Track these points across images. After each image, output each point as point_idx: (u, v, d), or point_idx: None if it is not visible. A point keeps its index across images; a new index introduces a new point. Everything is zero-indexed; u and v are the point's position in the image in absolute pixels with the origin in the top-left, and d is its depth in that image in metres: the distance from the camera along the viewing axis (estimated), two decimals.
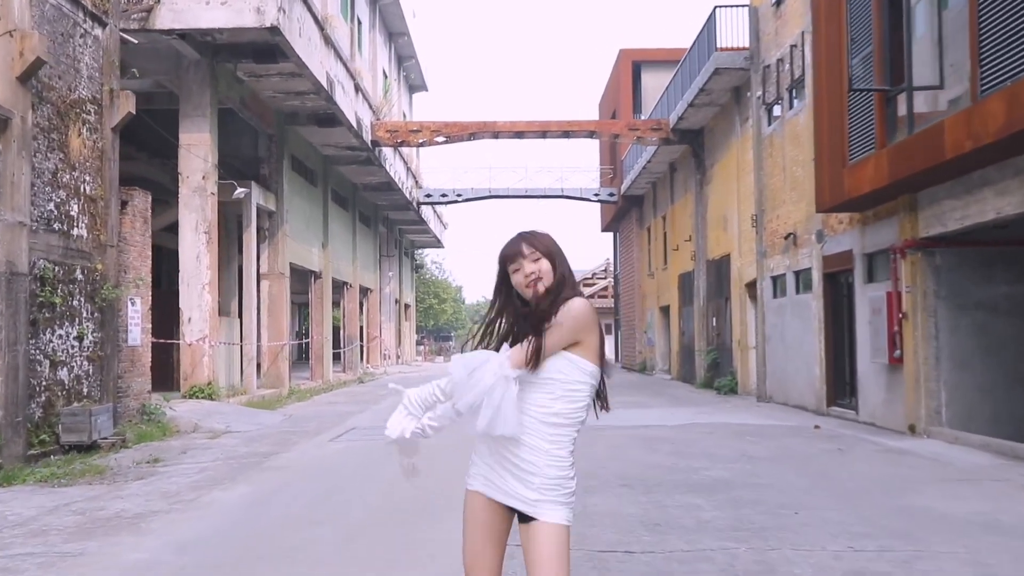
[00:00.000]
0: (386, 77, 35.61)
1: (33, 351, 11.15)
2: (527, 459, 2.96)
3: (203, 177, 17.76)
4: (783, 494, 8.17)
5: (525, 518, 2.97)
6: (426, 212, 42.73)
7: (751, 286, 21.74)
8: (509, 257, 3.06)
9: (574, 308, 2.94)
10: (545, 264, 3.03)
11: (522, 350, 2.93)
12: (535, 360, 2.92)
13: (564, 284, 3.02)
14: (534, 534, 2.93)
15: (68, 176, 12.26)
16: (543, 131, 26.76)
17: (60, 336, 11.93)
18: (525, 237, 3.09)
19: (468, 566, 3.06)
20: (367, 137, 26.21)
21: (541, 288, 3.01)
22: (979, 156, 10.05)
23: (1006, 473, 9.46)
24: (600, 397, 3.11)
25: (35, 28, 11.14)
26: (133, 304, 14.11)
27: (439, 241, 51.61)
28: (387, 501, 8.06)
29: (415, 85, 44.56)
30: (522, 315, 3.07)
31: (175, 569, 5.73)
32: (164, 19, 16.21)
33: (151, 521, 7.20)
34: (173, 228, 19.69)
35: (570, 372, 2.96)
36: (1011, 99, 9.04)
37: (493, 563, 3.05)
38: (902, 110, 11.98)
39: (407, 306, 50.57)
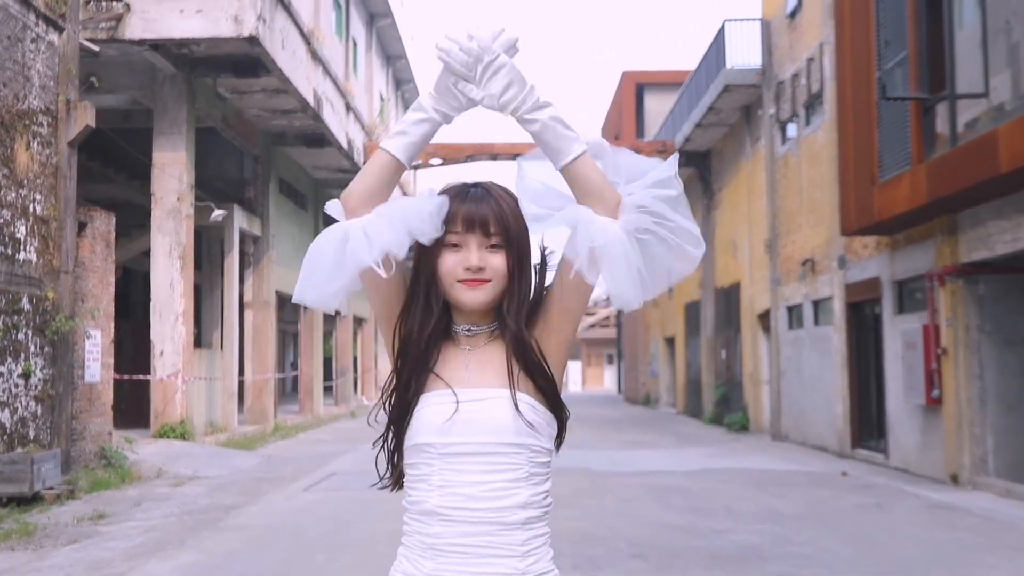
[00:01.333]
0: (383, 100, 34.53)
1: None
2: None
3: (178, 198, 16.53)
4: (827, 568, 6.84)
5: None
6: None
7: (764, 316, 20.44)
8: (454, 219, 1.74)
9: None
10: (500, 260, 1.74)
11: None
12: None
13: (526, 300, 1.78)
14: None
15: (14, 194, 11.02)
16: None
17: (1, 374, 10.65)
18: (491, 199, 1.76)
19: None
20: (359, 159, 25.01)
21: (480, 297, 1.74)
22: None
23: None
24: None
25: None
26: (91, 337, 12.81)
27: None
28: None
29: None
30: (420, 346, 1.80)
31: None
32: (135, 28, 15.02)
33: None
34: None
35: (542, 429, 1.75)
36: None
37: None
38: (943, 122, 10.74)
39: None
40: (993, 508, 9.76)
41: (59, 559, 7.47)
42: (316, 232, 26.45)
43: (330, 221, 1.85)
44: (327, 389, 30.32)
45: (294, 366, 45.37)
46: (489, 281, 1.73)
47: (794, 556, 7.29)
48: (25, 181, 11.26)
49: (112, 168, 20.59)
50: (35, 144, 11.52)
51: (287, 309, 28.46)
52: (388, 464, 1.84)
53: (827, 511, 9.68)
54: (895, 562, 7.16)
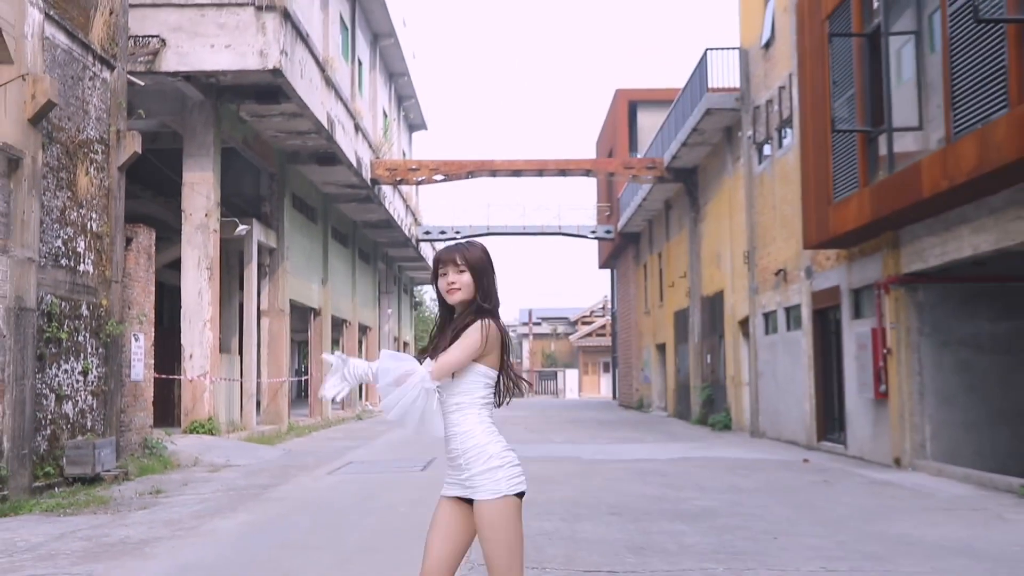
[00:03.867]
0: (386, 116, 36.17)
1: (39, 385, 11.44)
2: (456, 448, 3.42)
3: (206, 215, 18.15)
4: (766, 522, 8.44)
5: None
6: (425, 249, 43.14)
7: (744, 323, 22.06)
8: (440, 262, 3.50)
9: (481, 331, 3.37)
10: (467, 277, 3.45)
11: (440, 363, 3.37)
12: (442, 374, 3.40)
13: (485, 300, 3.46)
14: (475, 514, 3.36)
15: (75, 214, 12.63)
16: (540, 169, 27.22)
17: (66, 371, 12.23)
18: (459, 248, 3.50)
19: (423, 555, 3.45)
20: (367, 175, 26.66)
21: (456, 297, 3.47)
22: (954, 195, 10.44)
23: (985, 503, 9.73)
24: (497, 394, 3.54)
25: (46, 72, 11.56)
26: (136, 340, 14.41)
27: None
28: (383, 528, 8.33)
29: (415, 124, 45.15)
30: (440, 327, 3.58)
31: None
32: (170, 62, 16.67)
33: (155, 546, 7.47)
34: (176, 265, 20.05)
35: (474, 380, 3.43)
36: (981, 141, 9.44)
37: (441, 551, 3.39)
38: (883, 150, 12.38)
39: (406, 344, 50.83)
40: (923, 484, 11.37)
41: (137, 519, 9.06)
42: (325, 243, 28.24)
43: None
44: None
45: (299, 372, 46.87)
46: (459, 290, 3.46)
47: (742, 515, 8.90)
48: (84, 202, 12.88)
49: (139, 185, 22.22)
50: (92, 169, 13.14)
51: (295, 318, 29.99)
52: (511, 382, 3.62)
53: (781, 487, 11.28)
54: (823, 518, 8.76)
